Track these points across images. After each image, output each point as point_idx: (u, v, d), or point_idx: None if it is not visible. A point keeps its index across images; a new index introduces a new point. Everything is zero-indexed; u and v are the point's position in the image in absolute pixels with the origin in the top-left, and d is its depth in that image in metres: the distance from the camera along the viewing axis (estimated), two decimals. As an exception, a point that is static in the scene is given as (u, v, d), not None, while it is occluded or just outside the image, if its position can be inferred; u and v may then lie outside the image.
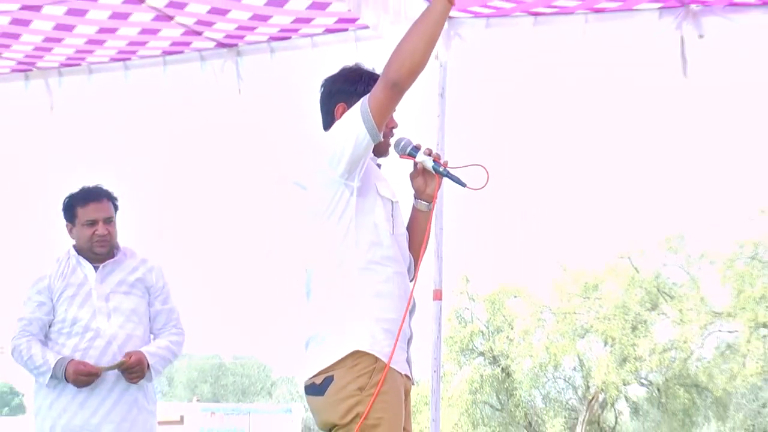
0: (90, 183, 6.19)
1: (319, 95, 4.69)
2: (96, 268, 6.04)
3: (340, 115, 4.46)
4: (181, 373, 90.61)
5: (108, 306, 5.99)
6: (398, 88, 4.30)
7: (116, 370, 5.92)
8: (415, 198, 4.80)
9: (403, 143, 4.60)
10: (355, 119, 4.35)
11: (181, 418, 72.68)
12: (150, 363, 5.94)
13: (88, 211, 5.99)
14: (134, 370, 5.89)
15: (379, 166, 4.70)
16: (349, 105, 4.43)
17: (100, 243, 5.97)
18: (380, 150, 4.63)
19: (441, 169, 4.61)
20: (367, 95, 4.34)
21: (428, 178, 4.72)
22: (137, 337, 6.02)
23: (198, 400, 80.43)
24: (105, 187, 6.15)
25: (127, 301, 6.04)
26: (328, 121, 4.58)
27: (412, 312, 4.65)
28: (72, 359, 5.90)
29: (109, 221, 6.01)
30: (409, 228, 4.81)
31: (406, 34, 4.30)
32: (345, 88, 4.59)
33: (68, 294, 5.99)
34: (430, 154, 4.63)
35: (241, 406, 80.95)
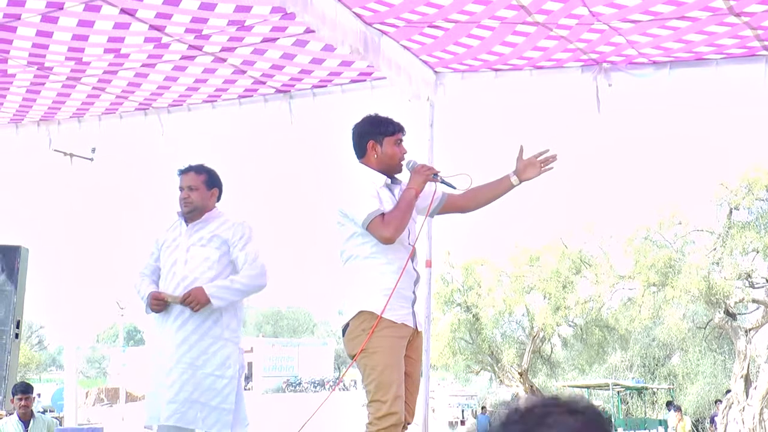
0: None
1: (351, 134, 4.96)
2: (188, 226, 5.83)
3: (372, 148, 4.77)
4: (251, 317, 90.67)
5: (186, 255, 5.70)
6: (389, 242, 4.72)
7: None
8: (513, 174, 5.06)
9: (411, 163, 4.88)
10: (362, 217, 4.73)
11: (252, 348, 72.74)
12: (208, 293, 5.51)
13: (180, 181, 5.87)
14: (189, 301, 5.52)
15: (394, 180, 4.90)
16: (377, 141, 4.74)
17: (183, 204, 5.77)
18: (395, 171, 4.92)
19: (438, 178, 4.87)
20: (374, 218, 4.71)
21: (531, 169, 4.89)
22: (207, 278, 5.62)
23: (263, 336, 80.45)
24: (196, 164, 5.91)
25: (202, 251, 5.68)
26: (361, 153, 4.93)
27: (416, 282, 4.89)
28: (153, 291, 5.72)
29: (191, 189, 5.76)
30: (491, 186, 5.12)
31: (396, 214, 4.73)
32: (372, 130, 4.94)
33: (167, 245, 5.82)
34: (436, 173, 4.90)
35: (292, 340, 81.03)
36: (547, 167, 5.06)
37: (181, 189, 5.80)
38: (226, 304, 5.61)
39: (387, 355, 4.69)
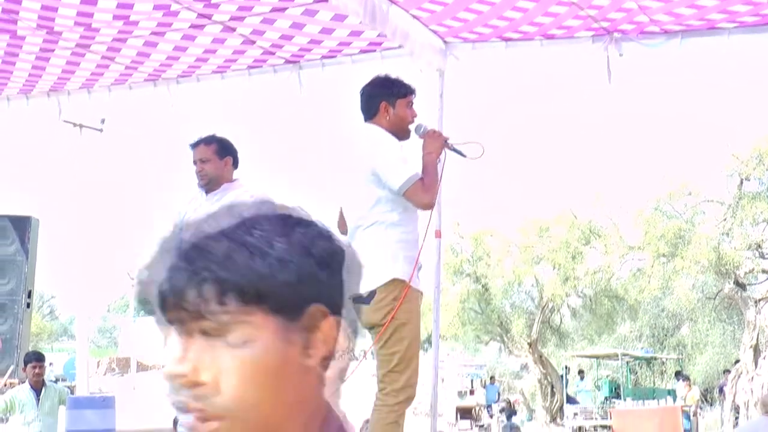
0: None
1: (360, 94, 4.83)
2: (207, 197, 5.79)
3: (384, 109, 4.68)
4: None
5: None
6: (429, 208, 4.78)
7: None
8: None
9: (422, 128, 4.79)
10: (399, 181, 4.62)
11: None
12: None
13: (192, 155, 5.83)
14: None
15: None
16: (389, 102, 4.66)
17: (198, 177, 5.77)
18: (405, 133, 4.82)
19: (449, 144, 4.81)
20: (414, 183, 4.62)
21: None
22: None
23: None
24: (206, 135, 5.87)
25: None
26: (372, 114, 4.80)
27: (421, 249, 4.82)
28: None
29: (203, 161, 5.75)
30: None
31: (433, 179, 4.72)
32: (384, 91, 4.83)
33: (187, 217, 5.81)
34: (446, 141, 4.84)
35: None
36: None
37: (195, 163, 5.78)
38: None
39: (414, 327, 4.64)
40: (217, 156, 5.79)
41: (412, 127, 4.86)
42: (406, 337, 4.61)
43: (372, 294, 4.61)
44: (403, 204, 4.69)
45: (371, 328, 4.67)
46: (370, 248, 4.64)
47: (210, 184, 5.76)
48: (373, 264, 4.59)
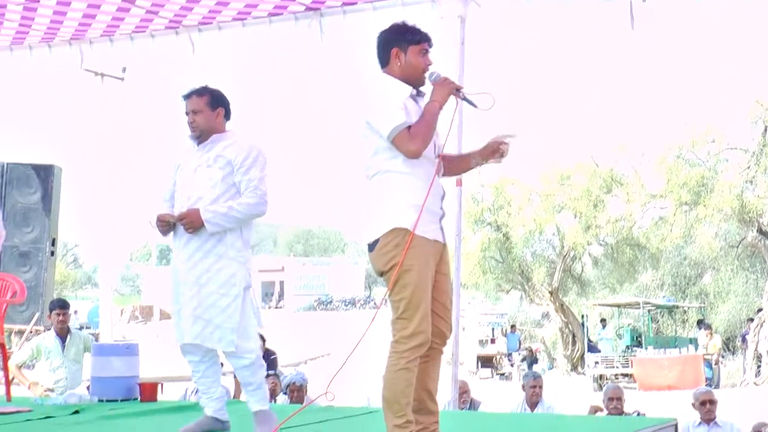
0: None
1: (376, 42, 4.81)
2: (197, 148, 5.77)
3: (395, 56, 4.67)
4: (282, 236, 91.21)
5: (194, 176, 5.65)
6: (416, 156, 4.65)
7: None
8: (474, 158, 5.00)
9: (435, 75, 4.74)
10: (387, 129, 4.62)
11: (283, 267, 73.29)
12: (204, 218, 5.47)
13: (185, 106, 5.75)
14: (184, 222, 5.54)
15: (419, 93, 4.79)
16: (401, 49, 4.64)
17: (190, 128, 5.71)
18: (419, 82, 4.78)
19: (461, 94, 4.76)
20: (400, 131, 4.60)
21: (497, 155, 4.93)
22: (209, 198, 5.57)
23: (294, 255, 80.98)
24: (198, 86, 5.81)
25: (207, 172, 5.62)
26: (385, 61, 4.79)
27: (443, 197, 4.79)
28: (159, 213, 5.75)
29: (195, 112, 5.69)
30: (457, 162, 5.08)
31: (422, 126, 4.63)
32: (397, 38, 4.80)
33: (181, 167, 5.79)
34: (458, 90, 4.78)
35: (323, 259, 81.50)
36: (496, 158, 4.96)
37: (187, 114, 5.74)
38: (220, 229, 5.56)
39: (420, 273, 4.65)
40: (209, 107, 5.73)
41: (426, 75, 4.83)
42: (410, 283, 4.63)
43: (376, 242, 4.72)
44: None
45: (381, 275, 4.77)
46: (376, 197, 4.74)
47: (201, 135, 5.73)
48: (378, 213, 4.71)
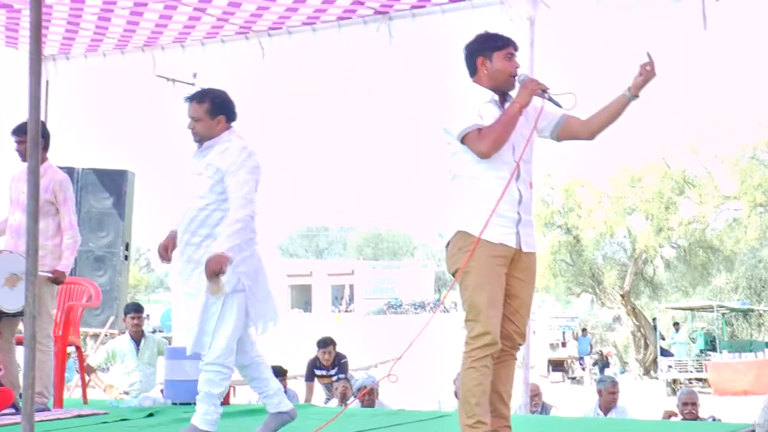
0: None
1: (463, 53, 4.92)
2: (194, 155, 5.63)
3: (482, 65, 4.73)
4: (352, 240, 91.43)
5: (190, 185, 5.51)
6: (485, 157, 4.68)
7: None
8: (628, 90, 4.83)
9: (522, 77, 4.81)
10: (458, 131, 4.70)
11: (353, 270, 73.47)
12: (224, 254, 5.19)
13: (186, 110, 5.62)
14: (212, 271, 5.20)
15: (506, 97, 4.80)
16: (486, 57, 4.69)
17: (192, 134, 5.60)
18: (508, 87, 4.83)
19: (546, 94, 4.78)
20: (469, 132, 4.67)
21: (647, 71, 4.78)
22: (198, 208, 5.45)
23: (363, 259, 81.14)
24: (199, 91, 5.70)
25: (198, 180, 5.49)
26: (473, 71, 4.92)
27: (520, 202, 4.78)
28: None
29: (195, 120, 5.52)
30: (604, 106, 4.92)
31: (495, 127, 4.65)
32: (481, 46, 4.89)
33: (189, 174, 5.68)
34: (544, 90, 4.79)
35: (392, 263, 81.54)
36: (646, 73, 4.80)
37: (189, 118, 5.64)
38: (241, 243, 5.34)
39: (479, 275, 4.69)
40: (209, 115, 5.59)
41: (516, 78, 4.87)
42: (469, 285, 4.70)
43: (447, 245, 4.88)
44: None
45: (453, 276, 4.85)
46: (454, 200, 4.85)
47: (201, 141, 5.62)
48: (452, 216, 4.82)
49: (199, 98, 5.63)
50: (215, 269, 5.19)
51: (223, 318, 5.37)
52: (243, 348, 5.56)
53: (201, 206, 5.47)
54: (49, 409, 7.00)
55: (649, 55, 4.80)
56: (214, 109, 5.62)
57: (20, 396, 6.04)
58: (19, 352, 6.51)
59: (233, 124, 5.73)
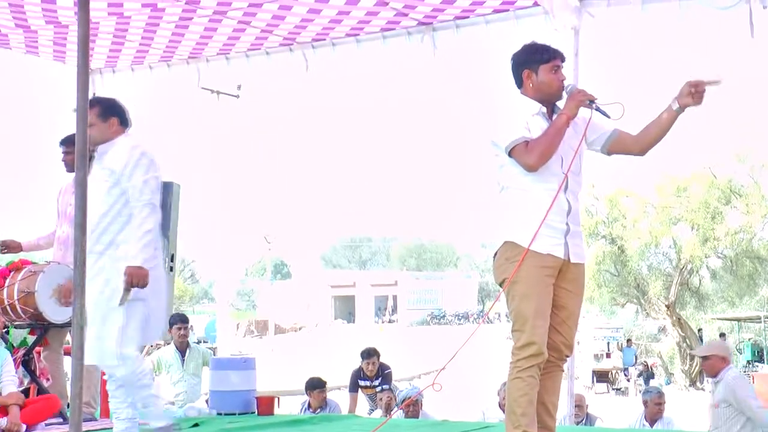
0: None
1: (510, 64, 4.89)
2: (93, 162, 5.45)
3: (527, 77, 4.71)
4: (395, 250, 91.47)
5: (91, 194, 4.84)
6: (532, 170, 4.65)
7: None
8: (668, 110, 4.76)
9: (570, 87, 4.78)
10: (505, 144, 4.68)
11: (396, 281, 73.45)
12: (139, 265, 5.21)
13: None
14: (135, 284, 5.21)
15: (554, 109, 4.76)
16: (532, 70, 4.66)
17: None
18: (555, 99, 4.82)
19: (594, 105, 4.74)
20: (517, 145, 4.65)
21: (695, 97, 4.70)
22: (99, 215, 5.32)
23: (406, 270, 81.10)
24: (96, 96, 5.59)
25: (96, 186, 5.24)
26: (519, 83, 4.90)
27: (569, 213, 4.75)
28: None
29: (89, 125, 4.91)
30: (655, 125, 4.83)
31: (542, 140, 4.62)
32: (527, 59, 4.87)
33: None
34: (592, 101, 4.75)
35: (435, 273, 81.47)
36: (696, 98, 4.72)
37: None
38: (153, 252, 5.36)
39: (525, 285, 4.67)
40: (100, 119, 5.52)
41: (564, 89, 4.84)
42: (516, 295, 4.69)
43: (495, 254, 4.85)
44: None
45: (500, 286, 4.85)
46: (502, 212, 4.83)
47: (97, 146, 5.52)
48: (500, 227, 4.81)
49: (89, 104, 5.26)
50: (137, 283, 5.21)
51: (126, 327, 5.31)
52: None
53: (102, 212, 5.36)
54: (96, 419, 7.05)
55: (711, 81, 4.70)
56: (105, 111, 5.56)
57: (68, 406, 6.09)
58: (67, 363, 6.56)
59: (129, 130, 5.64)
